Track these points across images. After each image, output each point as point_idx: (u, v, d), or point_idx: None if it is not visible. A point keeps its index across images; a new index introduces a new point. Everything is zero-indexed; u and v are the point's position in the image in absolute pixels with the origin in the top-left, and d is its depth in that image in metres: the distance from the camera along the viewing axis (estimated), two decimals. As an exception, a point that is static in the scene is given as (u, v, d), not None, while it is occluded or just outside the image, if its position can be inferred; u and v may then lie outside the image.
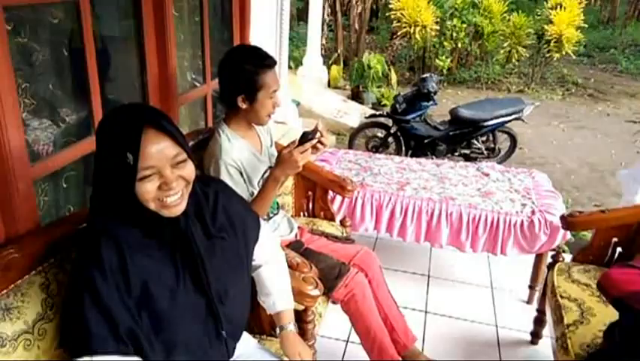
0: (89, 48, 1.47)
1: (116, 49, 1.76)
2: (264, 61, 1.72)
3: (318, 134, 1.62)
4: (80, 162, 1.59)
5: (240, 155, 1.78)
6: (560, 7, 7.42)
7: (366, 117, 5.34)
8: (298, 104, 5.55)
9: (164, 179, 1.02)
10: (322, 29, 8.06)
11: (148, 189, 1.01)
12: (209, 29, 2.18)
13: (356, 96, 7.11)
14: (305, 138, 1.62)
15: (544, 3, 7.96)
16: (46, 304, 1.17)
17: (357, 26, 8.85)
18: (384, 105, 6.64)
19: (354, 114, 6.36)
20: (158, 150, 1.01)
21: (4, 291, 1.11)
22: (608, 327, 1.53)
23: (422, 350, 2.13)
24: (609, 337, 1.51)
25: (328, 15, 9.15)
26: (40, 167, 1.36)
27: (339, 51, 8.48)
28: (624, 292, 1.21)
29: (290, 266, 1.58)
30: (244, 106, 1.75)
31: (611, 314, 1.60)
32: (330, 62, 8.07)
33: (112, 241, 1.04)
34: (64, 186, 1.58)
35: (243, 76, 1.71)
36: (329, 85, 7.64)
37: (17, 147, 1.23)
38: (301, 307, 1.64)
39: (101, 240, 1.04)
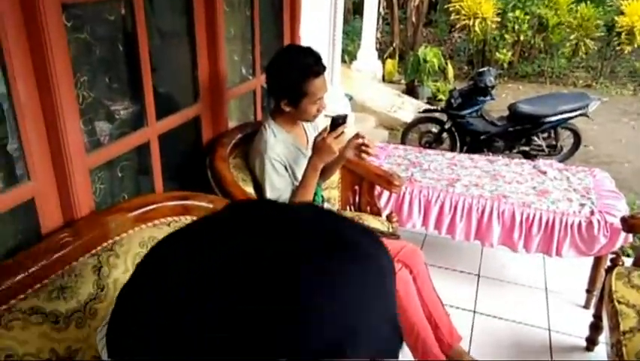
0: (143, 43, 1.53)
1: (167, 44, 1.82)
2: (311, 69, 1.71)
3: (348, 120, 1.65)
4: (134, 152, 1.66)
5: (284, 149, 1.80)
6: (633, -4, 6.98)
7: (420, 112, 5.25)
8: (351, 98, 5.53)
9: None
10: (378, 23, 7.97)
11: None
12: (259, 23, 2.21)
13: (411, 91, 7.00)
14: (335, 123, 1.64)
15: (616, -8, 7.53)
16: (97, 285, 1.23)
17: (414, 19, 8.68)
18: (440, 100, 6.50)
19: (409, 109, 6.27)
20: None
21: (60, 271, 1.19)
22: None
23: (469, 350, 2.08)
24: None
25: (384, 8, 9.04)
26: (96, 156, 1.43)
27: (394, 45, 8.36)
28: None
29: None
30: (287, 109, 1.77)
31: (673, 323, 1.51)
32: (385, 56, 7.98)
33: None
34: (120, 175, 1.66)
35: (287, 82, 1.73)
36: (383, 79, 7.56)
37: (74, 137, 1.29)
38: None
39: None
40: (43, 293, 1.15)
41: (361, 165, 2.20)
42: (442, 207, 2.42)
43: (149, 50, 1.55)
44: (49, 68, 1.19)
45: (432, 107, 5.23)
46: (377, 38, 8.13)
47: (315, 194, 1.98)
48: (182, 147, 1.97)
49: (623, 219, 1.95)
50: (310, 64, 1.71)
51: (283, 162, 1.81)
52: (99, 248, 1.29)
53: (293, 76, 1.70)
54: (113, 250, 1.30)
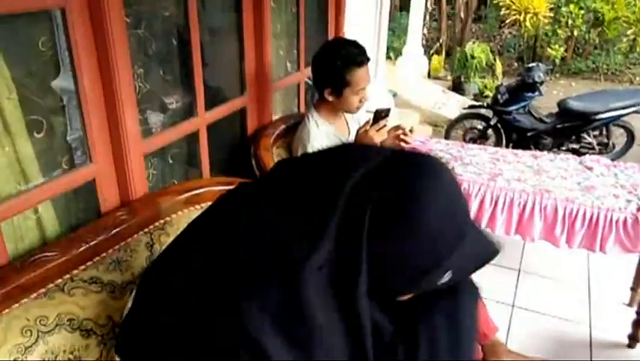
0: (195, 38, 1.63)
1: (217, 39, 1.92)
2: (355, 58, 1.76)
3: (391, 112, 1.68)
4: (184, 140, 1.77)
5: (326, 140, 1.87)
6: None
7: (465, 108, 5.20)
8: (395, 94, 5.54)
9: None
10: (425, 19, 7.91)
11: None
12: (304, 19, 2.29)
13: (457, 87, 6.92)
14: (379, 115, 1.68)
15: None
16: (149, 260, 1.34)
17: (462, 15, 8.57)
18: (487, 97, 6.40)
19: (453, 105, 6.21)
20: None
21: (117, 246, 1.30)
22: None
23: (505, 343, 2.09)
24: None
25: (432, 4, 8.96)
26: (150, 143, 1.54)
27: (441, 40, 8.28)
28: None
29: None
30: (330, 98, 1.83)
31: None
32: (431, 52, 7.92)
33: None
34: (170, 161, 1.78)
35: (331, 70, 1.79)
36: (429, 75, 7.50)
37: (132, 125, 1.41)
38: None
39: None
40: (101, 265, 1.27)
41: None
42: (482, 201, 2.42)
43: (200, 45, 1.66)
44: (112, 62, 1.30)
45: (477, 104, 5.16)
46: (424, 34, 8.07)
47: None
48: (228, 137, 2.08)
49: (670, 215, 1.90)
50: (354, 53, 1.77)
51: None
52: (152, 227, 1.40)
53: (337, 64, 1.76)
54: (164, 229, 1.41)
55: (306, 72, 2.37)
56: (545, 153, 3.02)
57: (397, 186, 0.70)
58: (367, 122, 1.76)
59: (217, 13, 1.91)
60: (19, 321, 1.07)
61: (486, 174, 2.56)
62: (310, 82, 2.28)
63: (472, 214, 2.46)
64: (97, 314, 1.20)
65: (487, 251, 0.81)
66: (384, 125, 1.77)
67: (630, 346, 2.15)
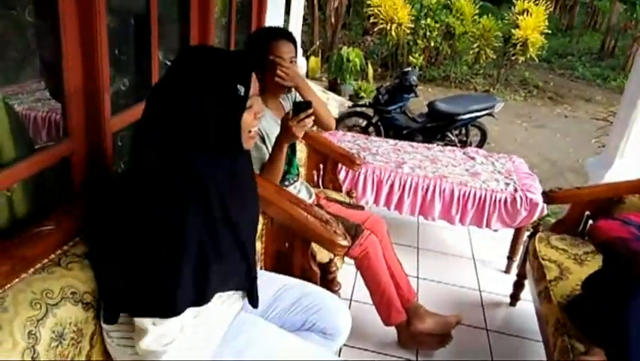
0: (154, 17, 1.64)
1: (166, 20, 1.93)
2: (273, 32, 1.94)
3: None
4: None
5: (265, 123, 1.95)
6: (527, 12, 7.88)
7: (350, 107, 5.59)
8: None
9: (257, 108, 1.19)
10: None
11: (249, 119, 1.17)
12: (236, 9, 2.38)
13: (333, 88, 7.34)
14: (299, 107, 1.71)
15: (512, 8, 8.42)
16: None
17: (333, 20, 9.08)
18: (362, 97, 6.90)
19: (333, 105, 6.59)
20: (254, 80, 1.18)
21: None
22: (585, 280, 1.84)
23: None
24: (585, 287, 1.82)
25: (305, 8, 9.32)
26: (117, 121, 1.53)
27: (317, 43, 8.68)
28: (609, 237, 1.50)
29: (322, 221, 1.80)
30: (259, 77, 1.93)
31: (585, 272, 1.92)
32: (308, 54, 8.27)
33: (196, 177, 1.11)
34: (119, 144, 1.75)
35: (254, 48, 1.92)
36: (307, 76, 7.83)
37: (106, 100, 1.40)
38: (326, 260, 1.88)
39: (187, 180, 1.10)
40: (90, 240, 1.26)
41: (327, 145, 2.44)
42: (392, 186, 2.73)
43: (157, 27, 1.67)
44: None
45: (360, 103, 5.58)
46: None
47: (292, 167, 2.18)
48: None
49: (544, 193, 2.38)
50: (273, 28, 1.98)
51: (260, 133, 1.94)
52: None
53: (258, 39, 1.91)
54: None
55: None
56: (435, 145, 3.45)
57: None
58: (287, 114, 1.77)
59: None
60: (26, 295, 1.04)
61: (392, 162, 2.87)
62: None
63: (383, 199, 2.77)
64: (93, 288, 1.20)
65: None
66: (307, 117, 1.83)
67: (512, 304, 2.60)
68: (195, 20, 1.97)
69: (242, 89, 1.13)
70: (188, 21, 1.94)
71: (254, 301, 1.36)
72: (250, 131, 1.21)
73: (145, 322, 1.08)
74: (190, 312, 1.13)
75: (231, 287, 1.29)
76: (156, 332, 1.08)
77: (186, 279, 1.08)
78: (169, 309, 1.08)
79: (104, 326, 1.20)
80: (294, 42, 1.95)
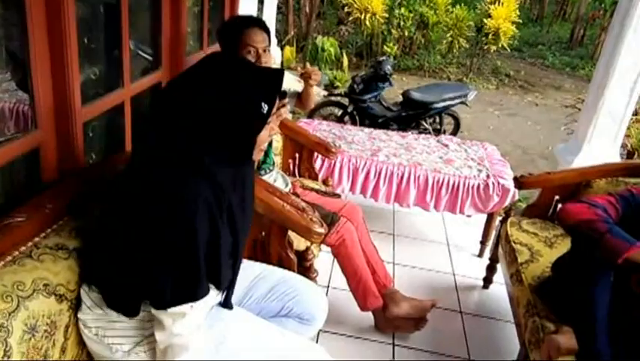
0: (124, 5, 1.61)
1: (137, 8, 1.89)
2: (247, 20, 1.94)
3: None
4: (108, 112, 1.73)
5: None
6: (498, 2, 7.98)
7: (325, 96, 5.59)
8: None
9: (273, 125, 1.25)
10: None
11: (265, 135, 1.21)
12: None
13: (308, 77, 7.32)
14: None
15: (484, -2, 8.52)
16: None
17: (307, 9, 9.04)
18: (337, 87, 6.91)
19: (309, 94, 6.57)
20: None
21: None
22: (554, 262, 1.89)
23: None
24: (555, 269, 1.88)
25: (279, -2, 9.26)
26: (87, 111, 1.50)
27: (292, 33, 8.64)
28: (577, 220, 1.55)
29: (298, 209, 1.81)
30: None
31: (555, 254, 1.97)
32: (283, 43, 8.23)
33: (210, 180, 1.14)
34: (90, 134, 1.72)
35: (228, 35, 1.92)
36: (282, 65, 7.79)
37: (76, 89, 1.38)
38: (302, 247, 1.89)
39: (202, 182, 1.12)
40: (62, 232, 1.25)
41: (302, 134, 2.45)
42: (367, 174, 2.75)
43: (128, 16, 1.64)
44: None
45: (336, 92, 5.58)
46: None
47: (268, 157, 2.18)
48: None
49: (516, 179, 2.43)
50: (247, 17, 1.99)
51: None
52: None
53: (232, 27, 1.92)
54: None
55: (209, 50, 2.43)
56: (409, 133, 3.49)
57: None
58: None
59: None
60: (-4, 287, 1.03)
61: (368, 150, 2.90)
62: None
63: (359, 187, 2.79)
64: (67, 280, 1.19)
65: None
66: (282, 107, 1.86)
67: (485, 287, 2.66)
68: (167, 9, 1.95)
69: (265, 107, 1.14)
70: (160, 9, 1.91)
71: (228, 304, 1.37)
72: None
73: (184, 308, 1.11)
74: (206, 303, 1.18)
75: (220, 288, 1.28)
76: (193, 315, 1.13)
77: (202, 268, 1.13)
78: (200, 291, 1.13)
79: (80, 317, 1.20)
80: (268, 31, 1.95)
